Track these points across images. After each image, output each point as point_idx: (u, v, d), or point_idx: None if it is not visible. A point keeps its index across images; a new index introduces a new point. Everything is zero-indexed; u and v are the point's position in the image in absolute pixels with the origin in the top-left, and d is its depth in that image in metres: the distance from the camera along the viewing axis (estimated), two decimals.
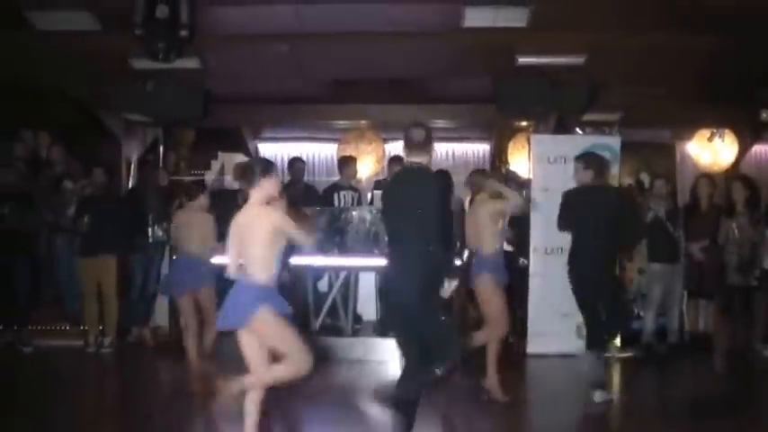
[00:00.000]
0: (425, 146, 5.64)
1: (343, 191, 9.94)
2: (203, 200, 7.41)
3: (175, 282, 7.37)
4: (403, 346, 5.73)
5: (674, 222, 8.94)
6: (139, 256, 9.41)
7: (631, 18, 8.02)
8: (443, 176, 8.55)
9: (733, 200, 8.56)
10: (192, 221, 7.30)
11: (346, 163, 10.32)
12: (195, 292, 7.15)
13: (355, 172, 10.40)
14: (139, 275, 9.45)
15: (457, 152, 14.19)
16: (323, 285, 9.28)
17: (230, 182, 11.37)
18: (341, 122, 12.31)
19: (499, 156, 12.16)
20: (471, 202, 7.51)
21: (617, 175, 9.15)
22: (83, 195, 9.26)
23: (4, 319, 8.92)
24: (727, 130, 11.32)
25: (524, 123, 11.53)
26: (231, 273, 5.03)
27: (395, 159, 10.08)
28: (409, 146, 5.67)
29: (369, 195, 10.28)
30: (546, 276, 8.75)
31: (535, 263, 8.93)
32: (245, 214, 5.03)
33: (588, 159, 7.19)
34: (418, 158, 5.63)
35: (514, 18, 8.12)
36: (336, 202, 9.76)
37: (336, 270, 8.98)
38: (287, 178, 10.21)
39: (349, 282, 9.00)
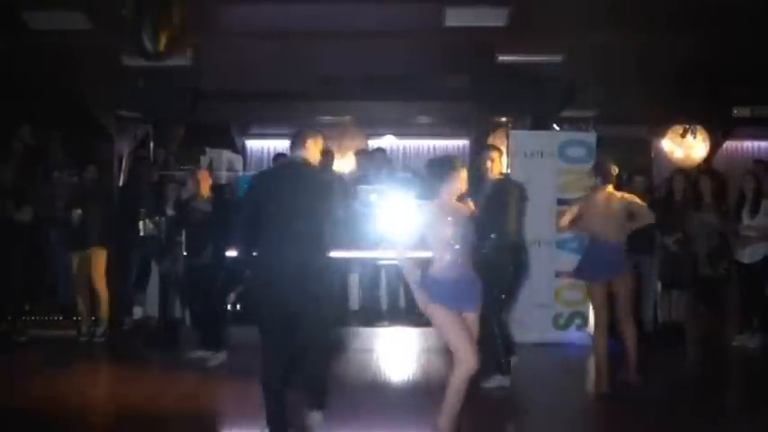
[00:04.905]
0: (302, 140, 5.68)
1: None
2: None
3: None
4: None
5: None
6: (134, 248, 9.63)
7: (607, 18, 8.20)
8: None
9: (700, 192, 8.85)
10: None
11: (324, 156, 10.49)
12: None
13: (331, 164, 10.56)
14: (135, 267, 9.70)
15: (438, 147, 14.46)
16: None
17: (218, 176, 11.58)
18: (326, 118, 12.48)
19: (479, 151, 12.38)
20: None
21: None
22: (73, 188, 9.46)
23: None
24: (699, 127, 11.57)
25: (503, 119, 11.77)
26: None
27: (364, 151, 10.44)
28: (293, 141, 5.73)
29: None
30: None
31: None
32: None
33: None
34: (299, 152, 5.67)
35: (494, 18, 8.35)
36: None
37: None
38: None
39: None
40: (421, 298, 5.17)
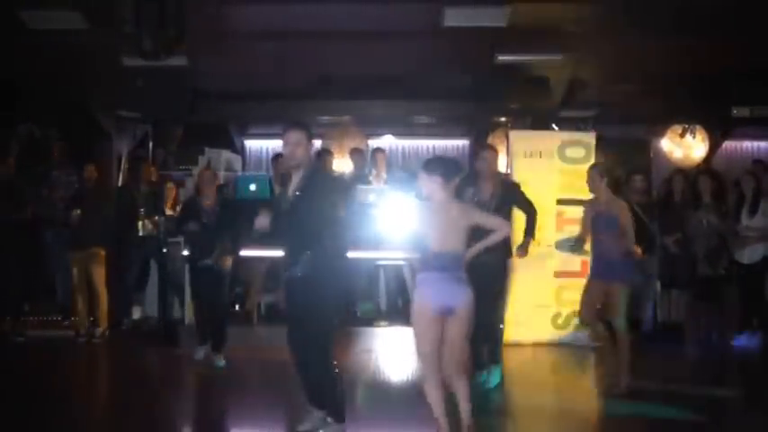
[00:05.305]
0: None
1: None
2: None
3: None
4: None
5: (649, 216, 9.18)
6: (134, 248, 9.62)
7: (607, 17, 8.20)
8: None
9: (699, 192, 8.86)
10: None
11: (323, 156, 10.55)
12: None
13: (331, 164, 10.62)
14: (136, 266, 9.69)
15: (437, 147, 14.43)
16: None
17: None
18: (326, 118, 12.47)
19: (477, 151, 12.39)
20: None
21: None
22: (73, 188, 9.45)
23: None
24: (698, 127, 11.58)
25: (503, 119, 11.77)
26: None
27: (359, 151, 10.59)
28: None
29: None
30: (521, 269, 8.96)
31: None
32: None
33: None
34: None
35: (493, 17, 8.34)
36: None
37: None
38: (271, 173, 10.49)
39: None
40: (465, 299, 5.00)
